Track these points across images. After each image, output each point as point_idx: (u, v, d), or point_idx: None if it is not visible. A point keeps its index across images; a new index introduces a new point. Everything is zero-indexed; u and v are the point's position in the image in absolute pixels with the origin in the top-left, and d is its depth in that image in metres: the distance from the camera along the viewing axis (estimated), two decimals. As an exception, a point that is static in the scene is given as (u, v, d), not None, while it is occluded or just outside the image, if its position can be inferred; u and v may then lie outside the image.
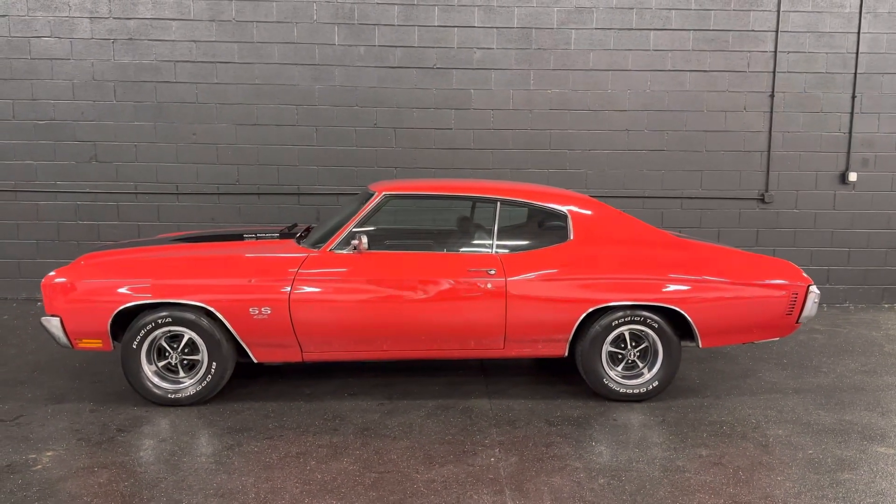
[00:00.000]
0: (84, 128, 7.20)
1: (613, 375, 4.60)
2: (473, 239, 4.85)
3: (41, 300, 4.47)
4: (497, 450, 3.88)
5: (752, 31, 7.33)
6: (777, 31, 7.33)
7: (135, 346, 4.30)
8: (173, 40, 7.10)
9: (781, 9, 7.29)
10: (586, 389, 4.76)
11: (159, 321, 4.28)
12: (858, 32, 7.35)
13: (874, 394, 4.86)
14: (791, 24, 7.33)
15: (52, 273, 4.36)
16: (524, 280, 4.43)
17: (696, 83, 7.38)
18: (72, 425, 4.15)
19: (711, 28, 7.31)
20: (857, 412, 4.51)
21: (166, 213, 7.37)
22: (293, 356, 4.47)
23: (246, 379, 4.95)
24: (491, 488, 3.43)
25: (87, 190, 7.29)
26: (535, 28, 7.24)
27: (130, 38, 7.09)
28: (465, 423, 4.24)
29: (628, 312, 4.50)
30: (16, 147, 7.20)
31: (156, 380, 4.39)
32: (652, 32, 7.30)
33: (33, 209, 7.31)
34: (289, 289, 4.29)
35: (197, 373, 4.41)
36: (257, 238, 4.87)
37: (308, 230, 5.17)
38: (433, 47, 7.23)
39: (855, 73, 7.41)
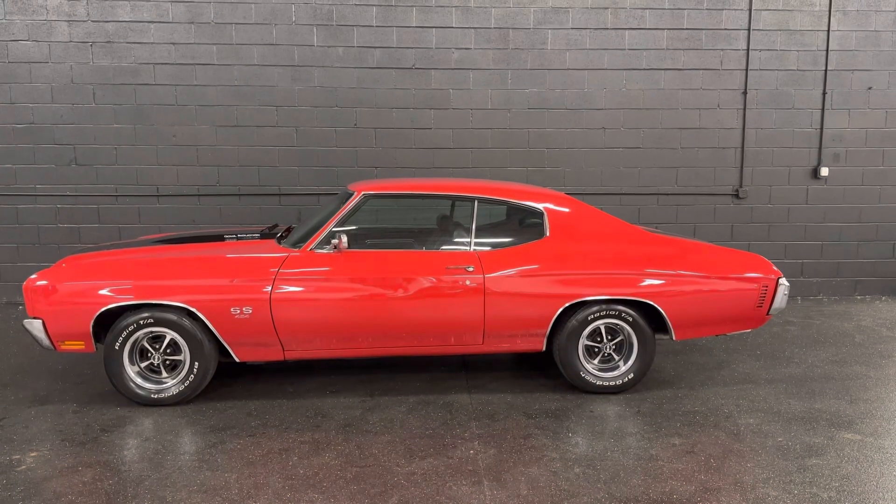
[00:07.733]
0: (63, 131, 7.20)
1: (590, 368, 4.70)
2: (452, 237, 4.93)
3: (23, 304, 4.49)
4: (476, 442, 3.96)
5: (725, 29, 7.46)
6: (749, 30, 7.47)
7: (117, 347, 4.34)
8: (152, 42, 7.12)
9: (753, 7, 7.43)
10: (564, 383, 4.87)
11: (141, 322, 4.32)
12: (828, 30, 7.51)
13: (843, 382, 5.00)
14: (763, 23, 7.47)
15: (33, 276, 4.39)
16: (502, 276, 4.52)
17: (670, 81, 7.51)
18: (55, 426, 4.19)
19: (685, 27, 7.43)
20: (827, 400, 4.65)
21: (147, 214, 7.38)
22: (275, 355, 4.53)
23: (228, 378, 5.00)
24: (469, 479, 3.51)
25: (68, 193, 7.29)
26: (512, 28, 7.33)
27: (109, 41, 7.09)
28: (446, 418, 4.32)
29: (604, 307, 4.60)
30: (-6, 151, 7.20)
31: (138, 380, 4.44)
32: (627, 32, 7.41)
33: (13, 213, 7.30)
34: (270, 288, 4.35)
35: (179, 373, 4.46)
36: (238, 238, 4.92)
37: (289, 230, 5.22)
38: (412, 48, 7.30)
39: (825, 70, 7.57)
